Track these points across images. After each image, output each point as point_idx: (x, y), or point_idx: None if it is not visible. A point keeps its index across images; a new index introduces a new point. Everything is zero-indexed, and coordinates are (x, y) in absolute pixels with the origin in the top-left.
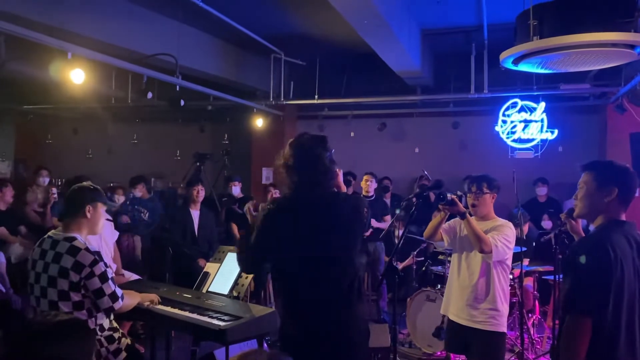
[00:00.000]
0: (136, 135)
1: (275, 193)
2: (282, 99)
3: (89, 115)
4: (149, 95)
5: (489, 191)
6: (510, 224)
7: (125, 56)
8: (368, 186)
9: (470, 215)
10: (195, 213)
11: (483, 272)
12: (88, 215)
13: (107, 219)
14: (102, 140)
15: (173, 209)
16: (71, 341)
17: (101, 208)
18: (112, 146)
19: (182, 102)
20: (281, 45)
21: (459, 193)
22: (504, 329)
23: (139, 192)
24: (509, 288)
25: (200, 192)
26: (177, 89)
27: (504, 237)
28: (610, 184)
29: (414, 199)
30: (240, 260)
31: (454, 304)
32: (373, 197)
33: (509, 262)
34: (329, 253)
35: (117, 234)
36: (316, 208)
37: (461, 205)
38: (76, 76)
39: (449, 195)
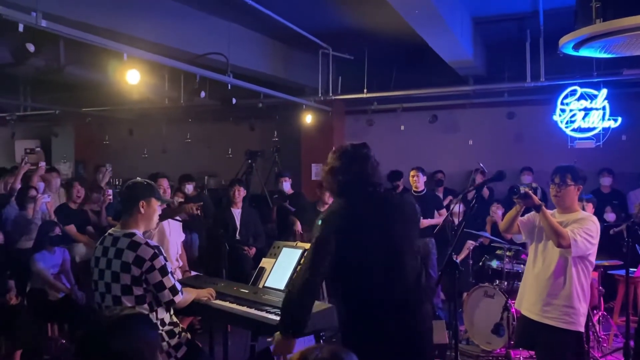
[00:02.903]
0: (189, 135)
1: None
2: (331, 94)
3: (143, 116)
4: (202, 94)
5: (574, 183)
6: (594, 218)
7: (177, 56)
8: (416, 181)
9: (548, 208)
10: (236, 212)
11: (560, 267)
12: (142, 210)
13: (177, 220)
14: (156, 140)
15: (218, 208)
16: (137, 335)
17: (155, 203)
18: (167, 146)
19: (234, 101)
20: (329, 40)
21: (534, 185)
22: (579, 328)
23: (189, 190)
24: (589, 287)
25: (239, 192)
26: (229, 87)
27: (585, 231)
28: None
29: (474, 192)
30: (298, 292)
31: (528, 298)
32: (424, 192)
33: (592, 258)
34: (392, 251)
35: (184, 235)
36: (372, 208)
37: (536, 198)
38: (132, 77)
39: (522, 188)
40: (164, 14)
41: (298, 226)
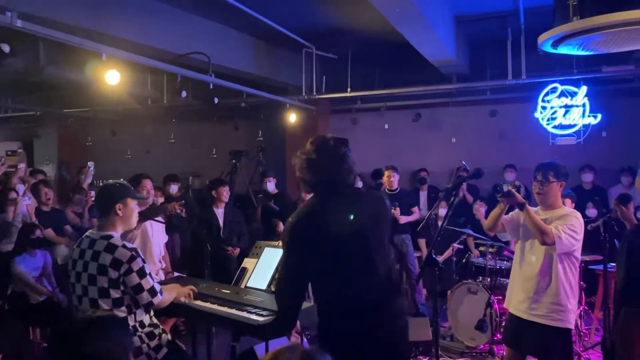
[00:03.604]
0: (173, 135)
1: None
2: (315, 94)
3: (126, 117)
4: (183, 94)
5: (556, 180)
6: (578, 214)
7: (159, 56)
8: (392, 181)
9: (531, 205)
10: (219, 212)
11: (546, 264)
12: (119, 212)
13: (160, 221)
14: (140, 140)
15: (203, 208)
16: (109, 338)
17: (131, 203)
18: (150, 146)
19: (216, 100)
20: (312, 40)
21: (517, 183)
22: (568, 325)
23: (173, 190)
24: (577, 283)
25: (227, 193)
26: (211, 87)
27: (569, 227)
28: None
29: (453, 189)
30: (281, 295)
31: (516, 296)
32: (397, 191)
33: (578, 254)
34: (363, 249)
35: (166, 236)
36: (344, 206)
37: (519, 196)
38: (111, 77)
39: (505, 186)
40: (145, 13)
41: (281, 227)
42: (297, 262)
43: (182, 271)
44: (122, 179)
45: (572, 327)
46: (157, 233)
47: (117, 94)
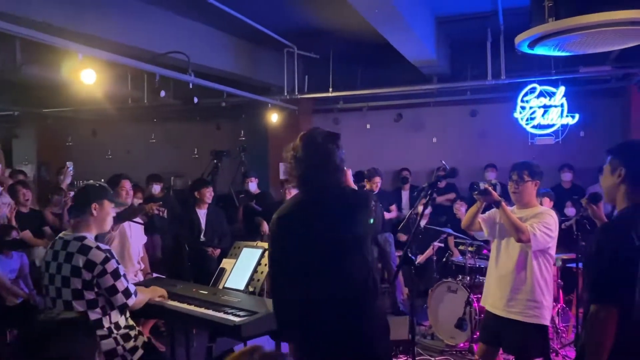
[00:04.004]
0: (154, 135)
1: (293, 189)
2: (297, 93)
3: (107, 117)
4: (162, 93)
5: (531, 179)
6: (552, 212)
7: (138, 55)
8: (377, 186)
9: (509, 204)
10: (202, 212)
11: (521, 262)
12: (94, 213)
13: (138, 222)
14: (120, 140)
15: (184, 209)
16: (74, 339)
17: (108, 205)
18: (131, 146)
19: (196, 100)
20: (294, 39)
21: (493, 182)
22: (544, 322)
23: (156, 190)
24: (552, 280)
25: (210, 194)
26: (190, 86)
27: (544, 225)
28: (619, 165)
29: (429, 188)
30: (272, 291)
31: (492, 294)
32: (377, 191)
33: (552, 251)
34: (340, 251)
35: (145, 237)
36: (324, 206)
37: (495, 194)
38: (87, 77)
39: (481, 184)
40: (123, 12)
41: (265, 227)
42: (280, 258)
43: (163, 272)
44: (102, 180)
45: (548, 323)
46: (135, 234)
47: (97, 94)
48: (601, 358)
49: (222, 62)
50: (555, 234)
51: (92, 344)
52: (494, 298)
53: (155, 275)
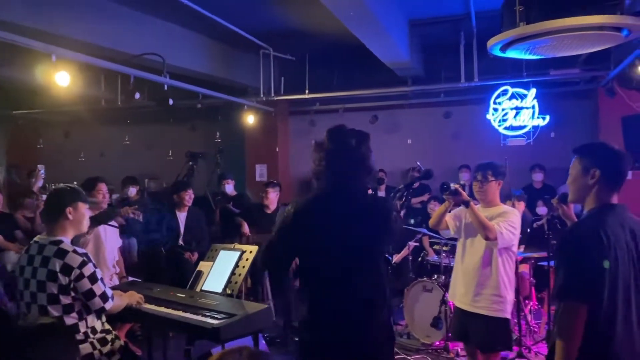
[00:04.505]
0: (128, 137)
1: (272, 192)
2: (273, 95)
3: (80, 118)
4: (137, 95)
5: (494, 178)
6: (516, 211)
7: (112, 57)
8: None
9: (475, 203)
10: (182, 215)
11: (487, 259)
12: (70, 216)
13: (113, 226)
14: (94, 143)
15: (161, 212)
16: (54, 344)
17: (83, 207)
18: (105, 149)
19: (171, 102)
20: (270, 41)
21: (462, 182)
22: (507, 315)
23: (132, 193)
24: (514, 275)
25: (190, 197)
26: (165, 88)
27: (509, 223)
28: (593, 166)
29: (405, 189)
30: (269, 258)
31: (459, 291)
32: None
33: (515, 249)
34: (352, 251)
35: (121, 241)
36: (348, 210)
37: (465, 194)
38: (61, 79)
39: (452, 185)
40: (97, 13)
41: (245, 228)
42: (286, 239)
43: (139, 276)
44: (74, 183)
45: (509, 317)
46: (110, 237)
47: (69, 95)
48: (571, 354)
49: (197, 64)
50: (518, 231)
51: (72, 350)
52: (460, 294)
53: (130, 278)
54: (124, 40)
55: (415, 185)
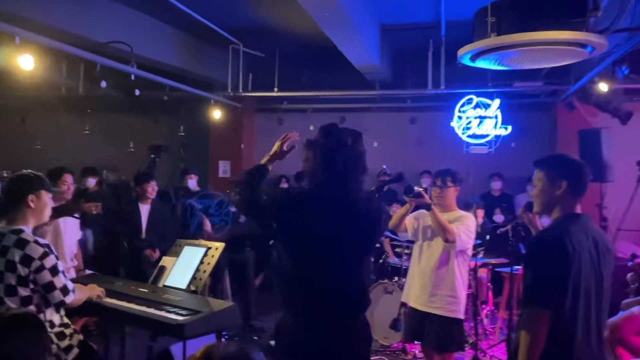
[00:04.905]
0: (88, 126)
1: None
2: (241, 91)
3: (38, 104)
4: (103, 84)
5: (453, 184)
6: (471, 215)
7: (77, 43)
8: None
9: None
10: (144, 208)
11: (443, 260)
12: (32, 205)
13: (75, 217)
14: (52, 130)
15: (123, 203)
16: (24, 336)
17: (45, 195)
18: (63, 137)
19: (137, 92)
20: (240, 36)
21: (424, 186)
22: (461, 316)
23: (90, 184)
24: (471, 278)
25: (153, 189)
26: (132, 78)
27: (466, 227)
28: (560, 177)
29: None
30: (248, 196)
31: (414, 291)
32: None
33: (469, 252)
34: (343, 260)
35: (80, 233)
36: (340, 210)
37: (427, 198)
38: (25, 62)
39: (416, 188)
40: None
41: (207, 225)
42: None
43: (94, 269)
44: (28, 170)
45: (463, 317)
46: (70, 229)
47: (29, 80)
48: (533, 357)
49: (165, 55)
50: (474, 235)
51: (43, 342)
52: (415, 294)
53: (88, 272)
54: (91, 27)
55: (386, 188)
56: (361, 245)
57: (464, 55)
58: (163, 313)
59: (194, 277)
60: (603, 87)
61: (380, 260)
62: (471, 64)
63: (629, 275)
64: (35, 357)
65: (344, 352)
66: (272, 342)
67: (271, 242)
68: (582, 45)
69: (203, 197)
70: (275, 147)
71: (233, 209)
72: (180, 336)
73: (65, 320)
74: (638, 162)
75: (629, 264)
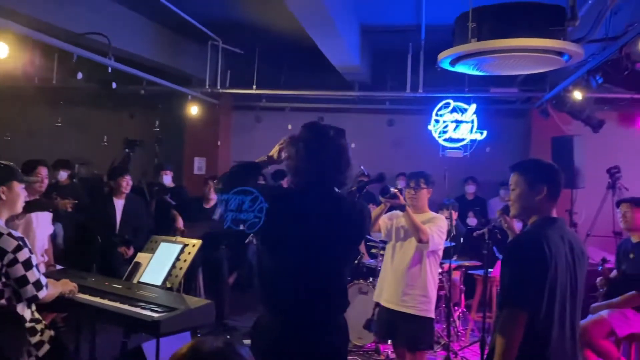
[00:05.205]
0: (61, 118)
1: (212, 187)
2: (219, 87)
3: (8, 94)
4: (79, 75)
5: (426, 186)
6: (443, 217)
7: (53, 33)
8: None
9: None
10: (119, 203)
11: (416, 261)
12: (3, 196)
13: (48, 210)
14: (22, 121)
15: (96, 198)
16: (4, 331)
17: (17, 186)
18: (34, 129)
19: (114, 85)
20: (219, 32)
21: (399, 187)
22: (433, 315)
23: (62, 177)
24: (438, 278)
25: (127, 183)
26: (110, 70)
27: (438, 228)
28: (540, 183)
29: (357, 193)
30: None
31: (387, 290)
32: None
33: (440, 252)
34: (324, 261)
35: (52, 227)
36: (316, 208)
37: (402, 199)
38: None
39: (391, 189)
40: None
41: (180, 222)
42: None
43: (64, 264)
44: None
45: (434, 316)
46: (42, 223)
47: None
48: (509, 356)
49: (142, 49)
50: (445, 236)
51: (20, 337)
52: (388, 294)
53: (59, 267)
54: (67, 17)
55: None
56: (344, 246)
57: (444, 60)
58: (138, 310)
59: (169, 274)
60: (577, 95)
61: (355, 261)
62: (451, 68)
63: (598, 279)
64: (13, 351)
65: (321, 352)
66: (247, 342)
67: (247, 240)
68: (560, 53)
69: (238, 193)
70: (274, 150)
71: (267, 205)
72: (156, 333)
73: (37, 315)
74: (608, 169)
75: (599, 268)
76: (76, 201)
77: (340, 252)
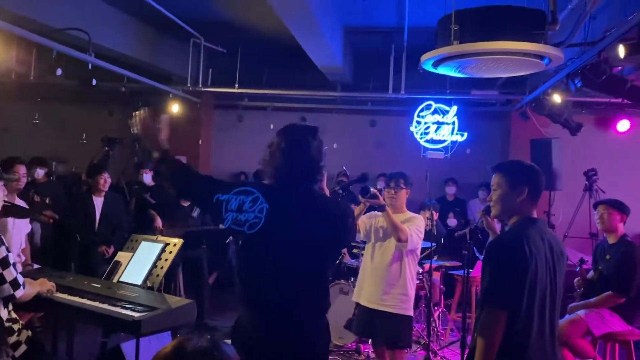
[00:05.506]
0: (38, 115)
1: None
2: (200, 86)
3: None
4: (58, 71)
5: (405, 187)
6: (421, 217)
7: (31, 28)
8: None
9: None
10: (98, 201)
11: (395, 260)
12: None
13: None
14: None
15: (75, 196)
16: None
17: None
18: (10, 125)
19: (95, 82)
20: (201, 30)
21: (378, 187)
22: (411, 313)
23: (39, 175)
24: (418, 278)
25: (105, 181)
26: (90, 67)
27: (416, 228)
28: (521, 184)
29: (340, 192)
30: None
31: (366, 290)
32: None
33: (419, 251)
34: (303, 260)
35: (30, 227)
36: (299, 208)
37: (382, 199)
38: None
39: (371, 189)
40: None
41: (158, 222)
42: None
43: (42, 263)
44: None
45: (412, 314)
46: (19, 223)
47: None
48: (489, 355)
49: (123, 45)
50: (422, 236)
51: (1, 337)
52: (368, 293)
53: (36, 266)
54: (46, 12)
55: (348, 188)
56: (325, 246)
57: (427, 61)
58: (118, 309)
59: (150, 273)
60: (557, 98)
61: (337, 261)
62: (433, 70)
63: (575, 280)
64: None
65: (302, 352)
66: (227, 342)
67: (227, 240)
68: (540, 56)
69: (239, 193)
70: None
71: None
72: (136, 333)
73: (14, 315)
74: (585, 172)
75: (577, 269)
76: (56, 215)
77: (322, 252)
